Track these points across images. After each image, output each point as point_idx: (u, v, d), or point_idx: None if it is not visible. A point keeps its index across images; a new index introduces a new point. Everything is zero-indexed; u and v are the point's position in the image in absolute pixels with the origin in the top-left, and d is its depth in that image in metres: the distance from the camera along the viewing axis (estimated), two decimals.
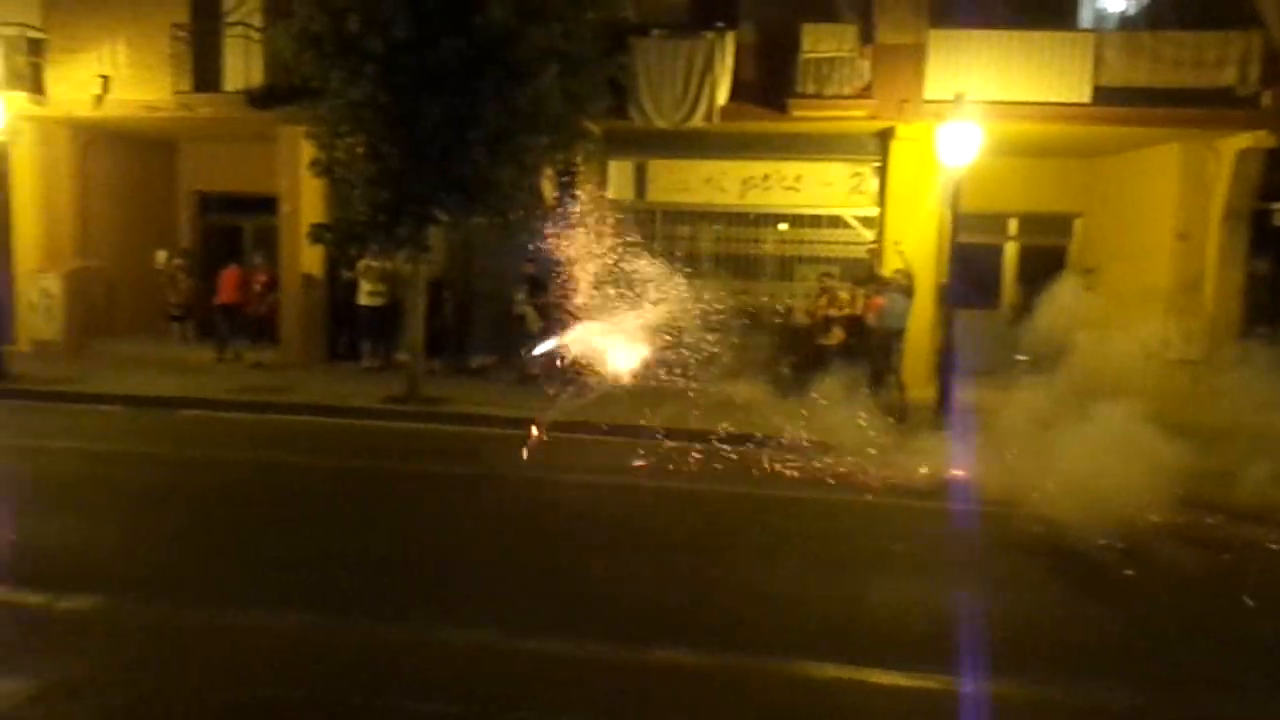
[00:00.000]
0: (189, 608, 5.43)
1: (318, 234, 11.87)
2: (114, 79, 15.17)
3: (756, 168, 14.66)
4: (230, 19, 14.92)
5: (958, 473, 8.91)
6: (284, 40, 11.23)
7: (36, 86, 15.21)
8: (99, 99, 15.20)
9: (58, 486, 8.13)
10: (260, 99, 13.73)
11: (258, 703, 4.34)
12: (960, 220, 11.41)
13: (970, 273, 12.39)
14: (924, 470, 8.86)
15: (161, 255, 17.06)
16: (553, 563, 6.50)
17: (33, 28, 15.23)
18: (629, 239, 11.62)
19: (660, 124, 13.37)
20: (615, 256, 11.27)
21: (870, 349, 12.38)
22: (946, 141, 11.49)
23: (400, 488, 8.62)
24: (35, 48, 15.24)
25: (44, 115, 15.44)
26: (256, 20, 14.64)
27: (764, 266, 15.01)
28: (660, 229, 14.79)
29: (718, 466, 9.35)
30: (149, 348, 15.87)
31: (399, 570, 6.28)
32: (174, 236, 17.83)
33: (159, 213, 17.74)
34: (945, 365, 11.38)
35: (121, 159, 17.05)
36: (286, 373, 14.29)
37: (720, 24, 13.40)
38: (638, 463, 9.40)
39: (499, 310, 14.17)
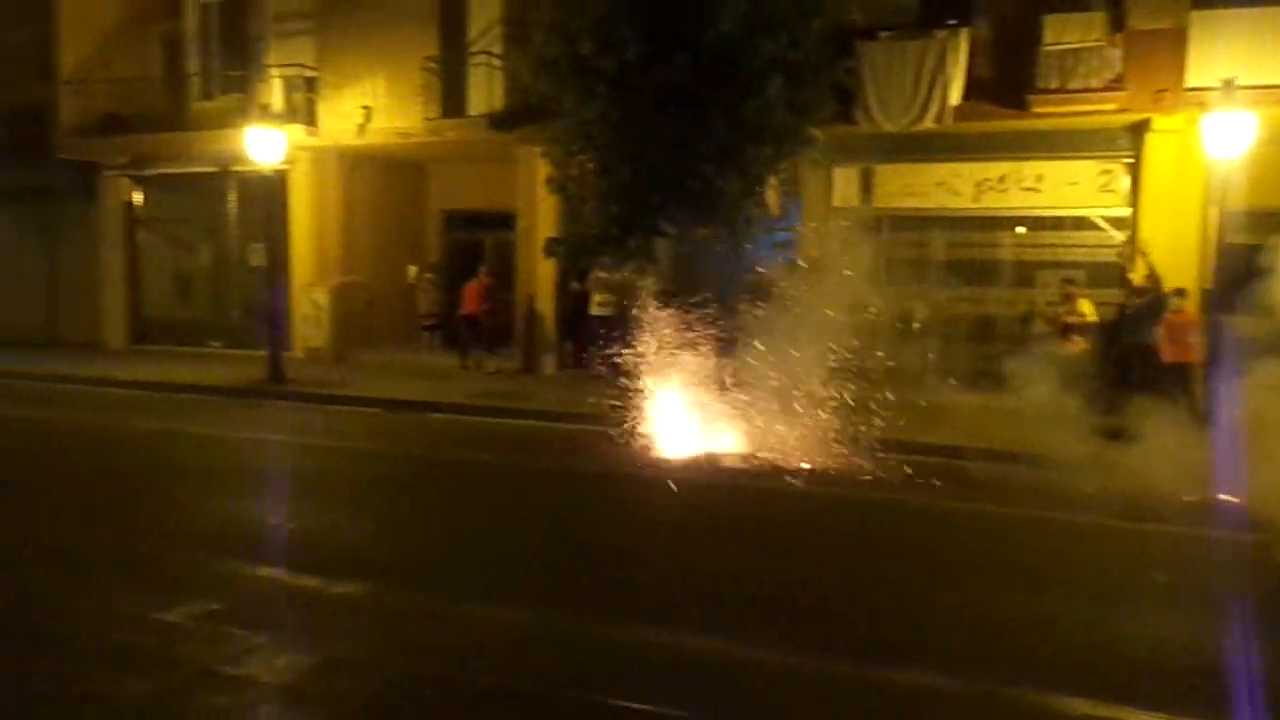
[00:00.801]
0: (441, 597, 5.83)
1: (551, 248, 12.51)
2: (374, 109, 16.65)
3: (992, 169, 13.90)
4: (474, 49, 15.98)
5: (1226, 497, 8.07)
6: (522, 65, 11.92)
7: (310, 119, 16.99)
8: (362, 128, 16.74)
9: (326, 481, 9.01)
10: (501, 122, 14.63)
11: (493, 692, 4.58)
12: (1229, 218, 10.34)
13: (1241, 276, 11.17)
14: (1186, 493, 8.08)
15: (412, 270, 18.54)
16: (774, 574, 6.45)
17: (307, 67, 17.03)
18: (856, 246, 11.38)
19: (889, 128, 13.04)
20: (841, 265, 11.09)
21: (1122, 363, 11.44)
22: (1213, 133, 10.48)
23: (629, 493, 8.89)
24: (310, 85, 17.04)
25: (316, 145, 17.18)
26: (498, 49, 15.61)
27: (1000, 272, 14.24)
28: (888, 235, 14.38)
29: (954, 482, 8.97)
30: (401, 355, 17.25)
31: (625, 570, 6.47)
32: (423, 252, 19.25)
33: (410, 230, 19.21)
34: (1209, 377, 10.35)
35: (379, 182, 18.60)
36: (522, 379, 15.12)
37: (952, 21, 12.89)
38: (866, 476, 9.20)
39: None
